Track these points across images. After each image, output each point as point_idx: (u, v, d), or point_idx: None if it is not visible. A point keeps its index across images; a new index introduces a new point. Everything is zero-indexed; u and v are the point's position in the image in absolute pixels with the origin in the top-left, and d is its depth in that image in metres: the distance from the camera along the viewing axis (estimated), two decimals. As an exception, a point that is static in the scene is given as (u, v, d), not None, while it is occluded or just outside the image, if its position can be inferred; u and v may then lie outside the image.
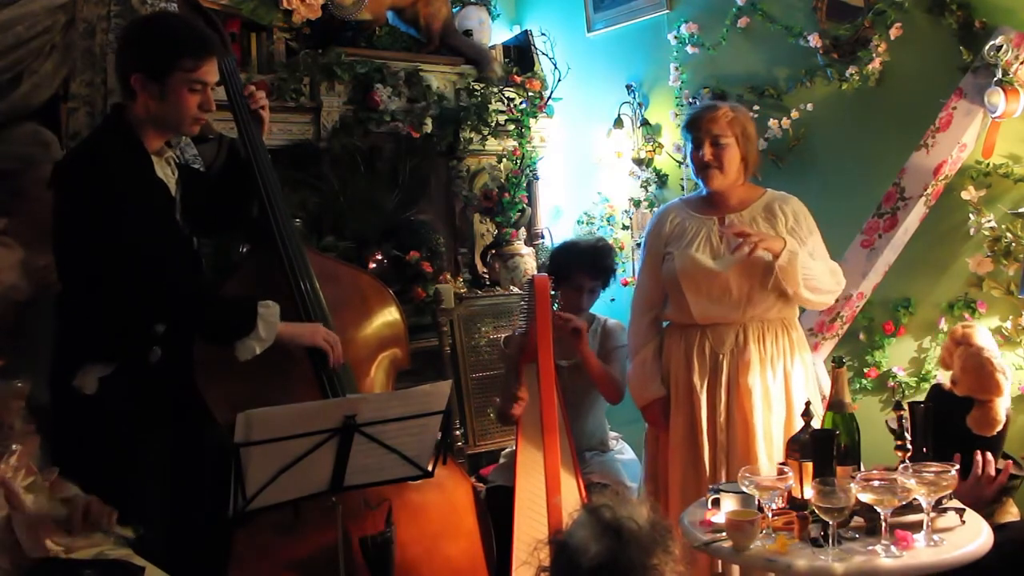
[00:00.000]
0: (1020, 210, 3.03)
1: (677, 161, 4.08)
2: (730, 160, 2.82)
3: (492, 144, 4.27)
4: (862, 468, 2.33)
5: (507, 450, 3.48)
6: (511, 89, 4.29)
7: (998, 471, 2.44)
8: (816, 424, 2.41)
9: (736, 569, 2.76)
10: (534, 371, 3.01)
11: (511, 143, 4.31)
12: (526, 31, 4.61)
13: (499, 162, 4.34)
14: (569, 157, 4.60)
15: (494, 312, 4.15)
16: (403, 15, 4.14)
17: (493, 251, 4.28)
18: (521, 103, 4.30)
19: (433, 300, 3.82)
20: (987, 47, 2.97)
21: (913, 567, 2.03)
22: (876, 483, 2.05)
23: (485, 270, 4.28)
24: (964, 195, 3.13)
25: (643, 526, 1.52)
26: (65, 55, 2.91)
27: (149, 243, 2.34)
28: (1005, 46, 2.93)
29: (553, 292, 3.06)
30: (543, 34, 4.49)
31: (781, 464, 2.42)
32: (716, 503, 2.36)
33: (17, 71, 2.83)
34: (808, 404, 2.40)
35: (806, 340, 2.94)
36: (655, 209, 4.01)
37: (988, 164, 3.11)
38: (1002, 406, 2.53)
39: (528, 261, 4.23)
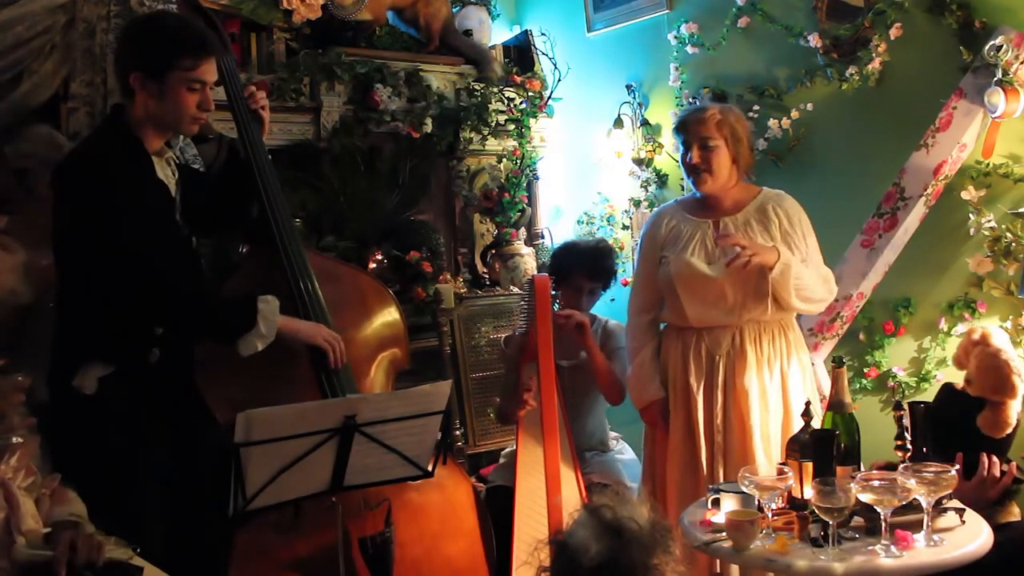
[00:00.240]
0: (1020, 210, 3.03)
1: (677, 161, 4.07)
2: (719, 163, 2.81)
3: (492, 144, 4.27)
4: (862, 468, 2.34)
5: (507, 450, 3.48)
6: (511, 89, 4.29)
7: (1002, 473, 2.43)
8: (816, 424, 2.41)
9: (735, 569, 2.77)
10: (534, 371, 3.01)
11: (511, 143, 4.31)
12: (526, 31, 4.61)
13: (499, 162, 4.34)
14: (569, 157, 4.60)
15: (494, 312, 4.15)
16: (403, 15, 4.14)
17: (493, 251, 4.28)
18: (521, 103, 4.30)
19: (433, 300, 3.82)
20: (987, 47, 2.97)
21: (913, 567, 2.03)
22: (876, 483, 2.05)
23: (485, 270, 4.29)
24: (964, 195, 3.13)
25: (644, 526, 1.53)
26: (65, 55, 2.91)
27: (148, 244, 2.34)
28: (1005, 46, 2.93)
29: (553, 292, 3.06)
30: (543, 34, 4.49)
31: (781, 464, 2.42)
32: (716, 503, 2.36)
33: (17, 71, 2.84)
34: (808, 404, 2.40)
35: (804, 341, 2.94)
36: (652, 210, 4.01)
37: (988, 164, 3.11)
38: (1014, 409, 2.53)
39: (528, 261, 4.24)
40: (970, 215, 3.13)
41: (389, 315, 2.85)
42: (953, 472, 2.11)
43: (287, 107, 3.67)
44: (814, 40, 3.51)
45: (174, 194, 2.51)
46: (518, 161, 4.29)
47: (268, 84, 3.40)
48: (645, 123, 4.23)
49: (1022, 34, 2.95)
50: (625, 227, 4.32)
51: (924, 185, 3.18)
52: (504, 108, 4.24)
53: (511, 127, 4.30)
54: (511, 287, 4.16)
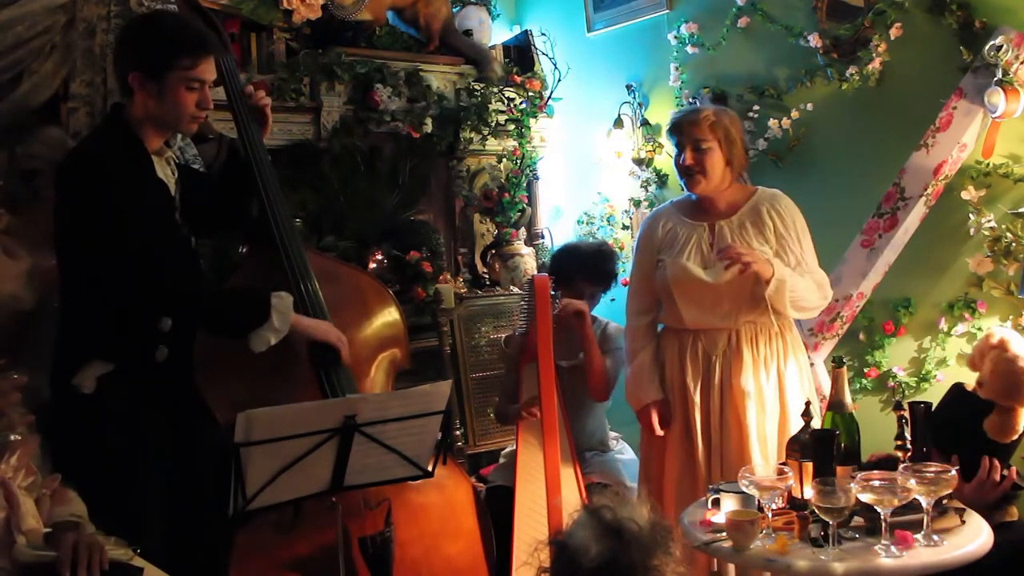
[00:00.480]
0: (1020, 210, 3.03)
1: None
2: (713, 165, 2.81)
3: (492, 144, 4.27)
4: (862, 467, 2.34)
5: (507, 450, 3.48)
6: (511, 89, 4.29)
7: (1002, 478, 2.43)
8: (816, 424, 2.41)
9: (731, 568, 2.77)
10: (534, 371, 3.01)
11: (511, 143, 4.31)
12: (526, 31, 4.61)
13: (499, 162, 4.34)
14: (569, 157, 4.60)
15: (494, 312, 4.15)
16: (403, 15, 4.14)
17: (493, 251, 4.28)
18: (521, 103, 4.30)
19: (433, 300, 3.82)
20: (987, 47, 2.97)
21: (913, 567, 2.03)
22: (876, 483, 2.06)
23: (485, 270, 4.29)
24: (964, 195, 3.13)
25: (644, 527, 1.53)
26: (65, 55, 2.91)
27: (148, 243, 2.34)
28: (1005, 46, 2.93)
29: (553, 292, 3.06)
30: (543, 34, 4.49)
31: (781, 464, 2.42)
32: (716, 503, 2.36)
33: (17, 71, 2.84)
34: (808, 404, 2.41)
35: (801, 341, 2.94)
36: (652, 210, 4.00)
37: (988, 164, 3.11)
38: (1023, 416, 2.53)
39: (528, 261, 4.24)
40: (970, 215, 3.13)
41: (389, 315, 2.85)
42: (953, 472, 2.11)
43: (287, 107, 3.67)
44: (814, 40, 3.51)
45: (174, 193, 2.52)
46: (518, 161, 4.29)
47: (268, 84, 3.40)
48: (645, 123, 4.23)
49: (1022, 34, 2.95)
50: (625, 227, 4.32)
51: (924, 185, 3.18)
52: (504, 108, 4.24)
53: (511, 127, 4.30)
54: (511, 287, 4.16)
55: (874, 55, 3.34)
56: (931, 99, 3.16)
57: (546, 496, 2.89)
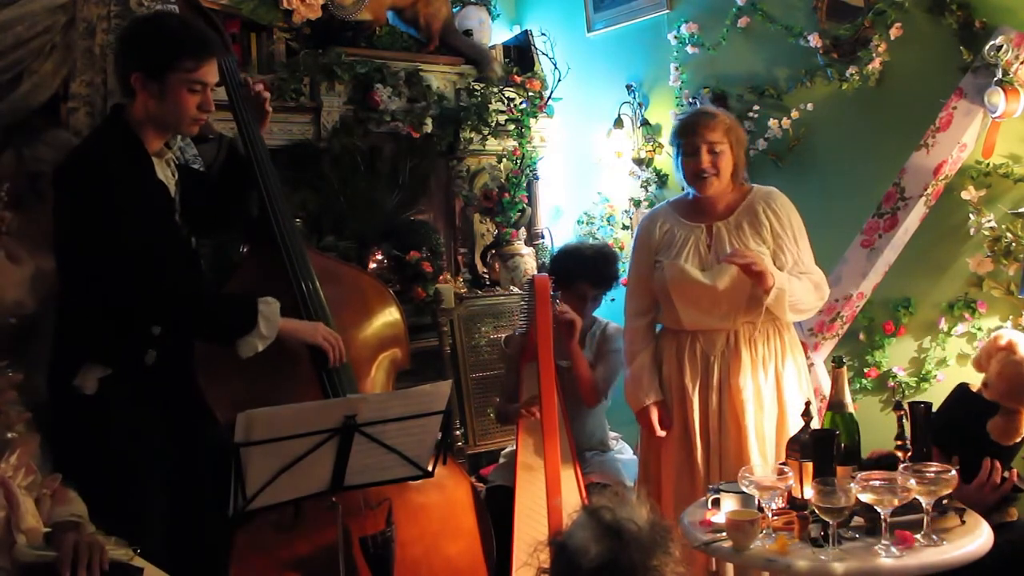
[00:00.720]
0: (1020, 210, 3.03)
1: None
2: (725, 167, 2.82)
3: (492, 144, 4.27)
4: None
5: (507, 450, 3.48)
6: (511, 89, 4.29)
7: (1003, 480, 2.43)
8: (816, 424, 2.41)
9: (730, 568, 2.77)
10: (534, 371, 3.01)
11: (511, 143, 4.31)
12: (526, 31, 4.61)
13: (499, 162, 4.34)
14: (569, 157, 4.60)
15: (494, 312, 4.15)
16: (403, 15, 4.14)
17: (493, 251, 4.28)
18: (521, 103, 4.30)
19: (433, 300, 3.82)
20: (987, 47, 2.97)
21: (913, 567, 2.03)
22: (876, 483, 2.06)
23: (485, 270, 4.29)
24: (964, 195, 3.13)
25: (643, 527, 1.53)
26: (65, 55, 2.91)
27: (148, 244, 2.34)
28: (1005, 46, 2.93)
29: (553, 292, 3.06)
30: (543, 34, 4.49)
31: (781, 464, 2.42)
32: (716, 503, 2.36)
33: (17, 71, 2.83)
34: (808, 404, 2.41)
35: (799, 341, 2.95)
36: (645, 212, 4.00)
37: (988, 164, 3.11)
38: None
39: (528, 261, 4.24)
40: (970, 215, 3.13)
41: (390, 315, 2.85)
42: (953, 472, 2.11)
43: (287, 107, 3.67)
44: (814, 40, 3.51)
45: (174, 194, 2.52)
46: (518, 161, 4.29)
47: (268, 84, 3.40)
48: (645, 123, 4.23)
49: (1022, 34, 2.95)
50: (625, 227, 4.32)
51: (924, 185, 3.18)
52: (504, 108, 4.24)
53: (511, 127, 4.30)
54: (511, 287, 4.16)
55: (874, 55, 3.34)
56: (931, 99, 3.16)
57: (546, 496, 2.89)
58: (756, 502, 2.22)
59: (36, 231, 2.70)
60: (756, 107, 3.72)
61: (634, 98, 4.25)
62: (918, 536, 2.10)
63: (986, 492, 2.42)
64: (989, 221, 3.08)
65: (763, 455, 2.75)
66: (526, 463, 3.03)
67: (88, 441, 2.34)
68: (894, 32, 3.30)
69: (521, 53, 4.55)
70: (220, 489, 2.18)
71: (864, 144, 3.46)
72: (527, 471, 3.01)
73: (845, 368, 2.45)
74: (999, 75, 2.94)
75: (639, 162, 4.22)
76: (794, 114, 3.61)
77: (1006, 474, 2.45)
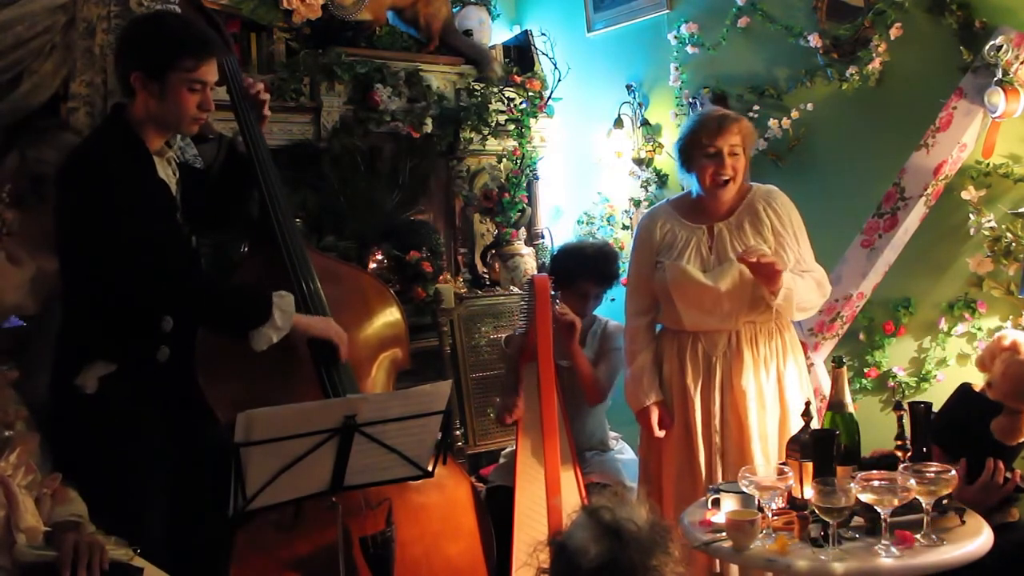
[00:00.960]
0: (1020, 210, 3.03)
1: (677, 162, 4.07)
2: (741, 170, 2.82)
3: (492, 144, 4.27)
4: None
5: (507, 450, 3.48)
6: (511, 89, 4.29)
7: (1006, 480, 2.43)
8: (816, 424, 2.42)
9: (735, 569, 2.77)
10: (534, 371, 3.01)
11: (511, 143, 4.31)
12: (526, 31, 4.61)
13: (499, 162, 4.34)
14: (569, 157, 4.60)
15: (494, 312, 4.15)
16: (403, 15, 4.14)
17: (493, 251, 4.28)
18: (521, 103, 4.30)
19: (433, 300, 3.82)
20: (987, 47, 2.97)
21: (913, 567, 2.03)
22: (876, 483, 2.06)
23: (485, 270, 4.29)
24: (964, 195, 3.13)
25: (643, 527, 1.53)
26: (65, 55, 2.91)
27: (150, 243, 2.34)
28: (1005, 46, 2.93)
29: (553, 292, 3.06)
30: (543, 34, 4.49)
31: (781, 464, 2.42)
32: (716, 503, 2.36)
33: (17, 71, 2.83)
34: (808, 404, 2.41)
35: (798, 341, 2.95)
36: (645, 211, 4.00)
37: (988, 164, 3.11)
38: None
39: (528, 261, 4.24)
40: (970, 215, 3.13)
41: (391, 315, 2.85)
42: (953, 472, 2.11)
43: (287, 107, 3.67)
44: (814, 40, 3.51)
45: (175, 194, 2.52)
46: (518, 161, 4.29)
47: (268, 84, 3.40)
48: (645, 123, 4.23)
49: (1022, 34, 2.95)
50: (625, 227, 4.32)
51: (924, 185, 3.18)
52: (504, 108, 4.24)
53: (511, 127, 4.30)
54: (511, 287, 4.16)
55: (874, 55, 3.34)
56: (931, 99, 3.16)
57: (546, 496, 2.89)
58: (756, 502, 2.22)
59: (38, 232, 2.70)
60: (756, 107, 3.71)
61: (634, 98, 4.25)
62: (918, 536, 2.10)
63: (990, 492, 2.42)
64: (989, 221, 3.08)
65: (766, 455, 2.75)
66: (526, 463, 3.02)
67: (88, 441, 2.34)
68: (894, 32, 3.30)
69: (521, 53, 4.55)
70: (220, 489, 2.17)
71: (864, 144, 3.46)
72: (527, 471, 3.01)
73: (845, 368, 2.45)
74: (999, 75, 2.94)
75: (639, 162, 4.22)
76: (794, 114, 3.61)
77: (1009, 474, 2.45)
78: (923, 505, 2.10)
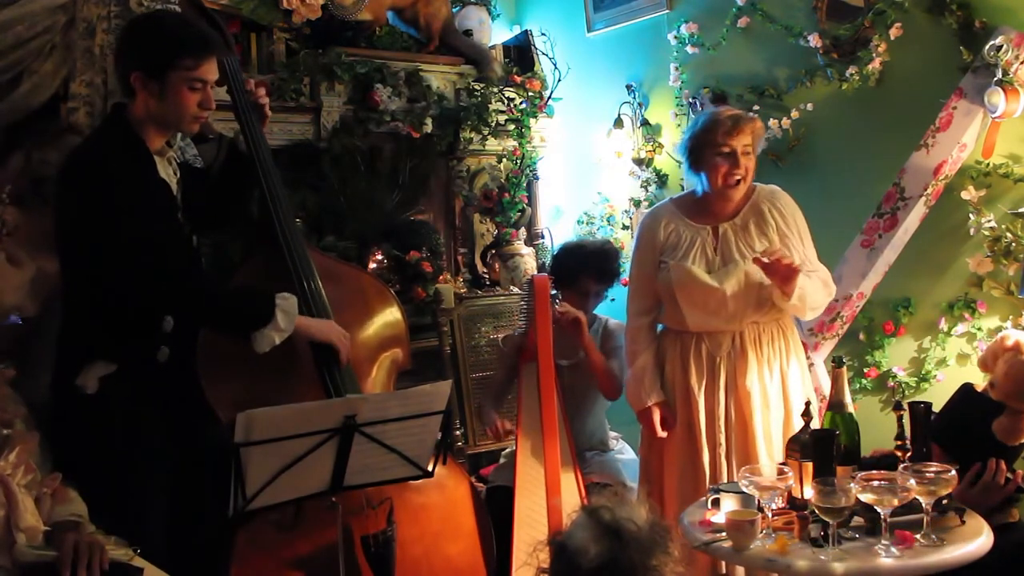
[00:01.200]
0: (1020, 210, 3.03)
1: (677, 161, 4.07)
2: (751, 170, 2.81)
3: (492, 144, 4.27)
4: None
5: (507, 450, 3.48)
6: (511, 89, 4.29)
7: (1007, 480, 2.43)
8: (816, 424, 2.42)
9: (741, 571, 2.77)
10: (534, 371, 3.01)
11: (511, 143, 4.31)
12: (526, 31, 4.61)
13: (499, 162, 4.34)
14: (569, 157, 4.60)
15: (494, 312, 4.15)
16: (403, 15, 4.14)
17: (493, 251, 4.28)
18: (521, 103, 4.30)
19: (433, 300, 3.82)
20: (987, 47, 2.97)
21: (913, 567, 2.04)
22: (876, 483, 2.06)
23: (485, 270, 4.29)
24: (964, 195, 3.13)
25: (642, 527, 1.53)
26: (65, 55, 2.91)
27: (151, 242, 2.34)
28: (1005, 46, 2.93)
29: (553, 292, 3.06)
30: (543, 34, 4.49)
31: (781, 464, 2.42)
32: (716, 503, 2.36)
33: (17, 71, 2.83)
34: (808, 404, 2.41)
35: (800, 341, 2.95)
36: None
37: (988, 164, 3.11)
38: None
39: (528, 261, 4.24)
40: (970, 215, 3.13)
41: (391, 315, 2.85)
42: (953, 472, 2.11)
43: (287, 107, 3.67)
44: (814, 40, 3.51)
45: (175, 193, 2.52)
46: (518, 161, 4.29)
47: (268, 84, 3.40)
48: (645, 123, 4.23)
49: (1022, 34, 2.95)
50: (625, 227, 4.32)
51: (924, 185, 3.18)
52: (504, 108, 4.24)
53: (511, 127, 4.30)
54: (511, 287, 4.16)
55: (874, 55, 3.34)
56: (931, 99, 3.16)
57: (546, 496, 2.89)
58: (756, 502, 2.22)
59: (38, 232, 2.71)
60: (756, 107, 3.71)
61: (634, 98, 4.25)
62: (918, 536, 2.10)
63: (991, 493, 2.41)
64: (989, 221, 3.08)
65: (770, 455, 2.75)
66: (526, 463, 3.02)
67: (89, 441, 2.34)
68: (894, 32, 3.30)
69: (521, 53, 4.55)
70: (220, 489, 2.17)
71: (864, 144, 3.46)
72: (527, 471, 3.00)
73: (845, 368, 2.45)
74: (999, 75, 2.94)
75: (639, 162, 4.22)
76: (794, 114, 3.61)
77: (1010, 475, 2.45)
78: (923, 505, 2.10)
